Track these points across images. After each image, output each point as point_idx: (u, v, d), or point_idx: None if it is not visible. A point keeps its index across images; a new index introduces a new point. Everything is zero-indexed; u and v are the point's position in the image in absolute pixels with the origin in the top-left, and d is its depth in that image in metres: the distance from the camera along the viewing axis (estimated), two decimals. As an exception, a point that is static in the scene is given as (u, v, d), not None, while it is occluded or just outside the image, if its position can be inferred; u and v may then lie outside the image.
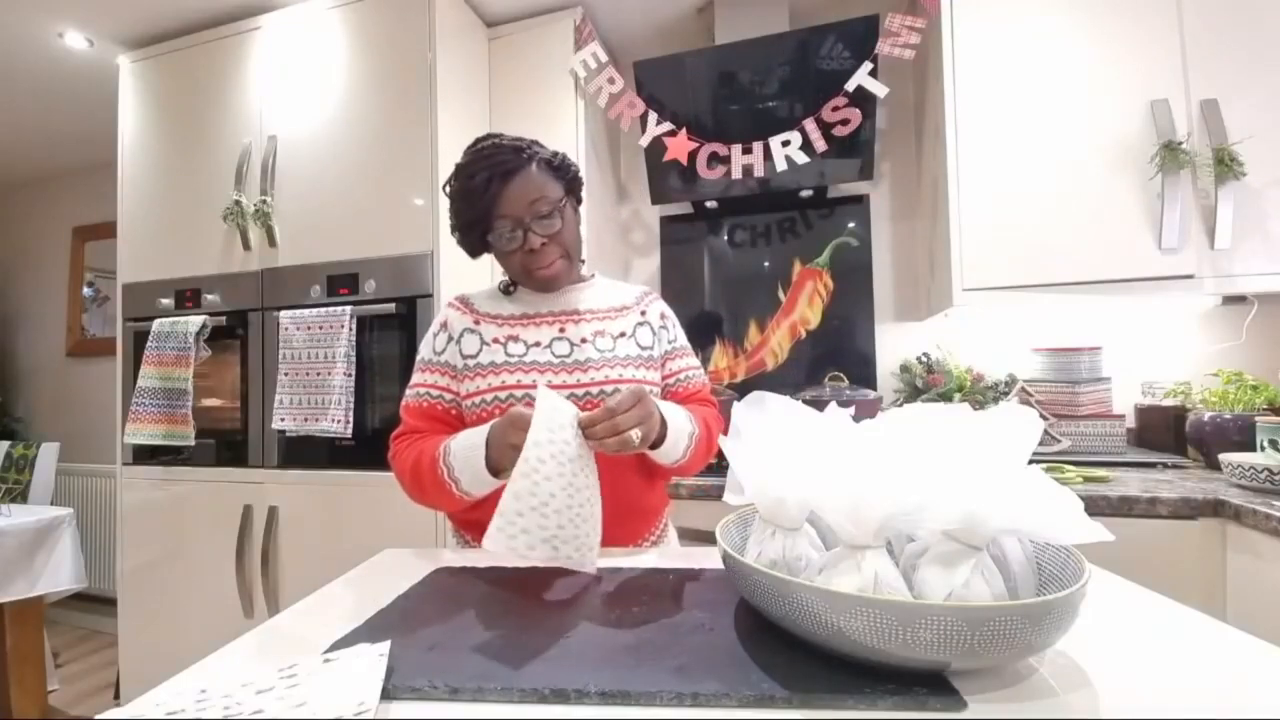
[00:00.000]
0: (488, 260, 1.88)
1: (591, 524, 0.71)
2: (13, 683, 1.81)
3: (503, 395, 0.86)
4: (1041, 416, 1.20)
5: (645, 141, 1.87)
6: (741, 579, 0.51)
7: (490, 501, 0.88)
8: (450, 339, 0.93)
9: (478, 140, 0.89)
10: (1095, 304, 1.47)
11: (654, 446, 0.82)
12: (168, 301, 1.88)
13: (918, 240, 1.93)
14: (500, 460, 0.75)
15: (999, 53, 1.52)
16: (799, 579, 0.46)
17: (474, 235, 0.90)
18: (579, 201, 0.95)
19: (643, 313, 0.98)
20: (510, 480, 0.66)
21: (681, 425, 0.86)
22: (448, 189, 0.90)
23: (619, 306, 0.97)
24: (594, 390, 0.87)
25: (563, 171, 0.91)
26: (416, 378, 0.94)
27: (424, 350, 0.95)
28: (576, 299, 0.96)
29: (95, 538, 2.74)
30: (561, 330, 0.92)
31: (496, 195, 0.85)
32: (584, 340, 0.92)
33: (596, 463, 0.76)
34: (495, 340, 0.91)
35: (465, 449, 0.79)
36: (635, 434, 0.72)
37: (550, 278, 0.91)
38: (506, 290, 0.98)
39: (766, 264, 2.06)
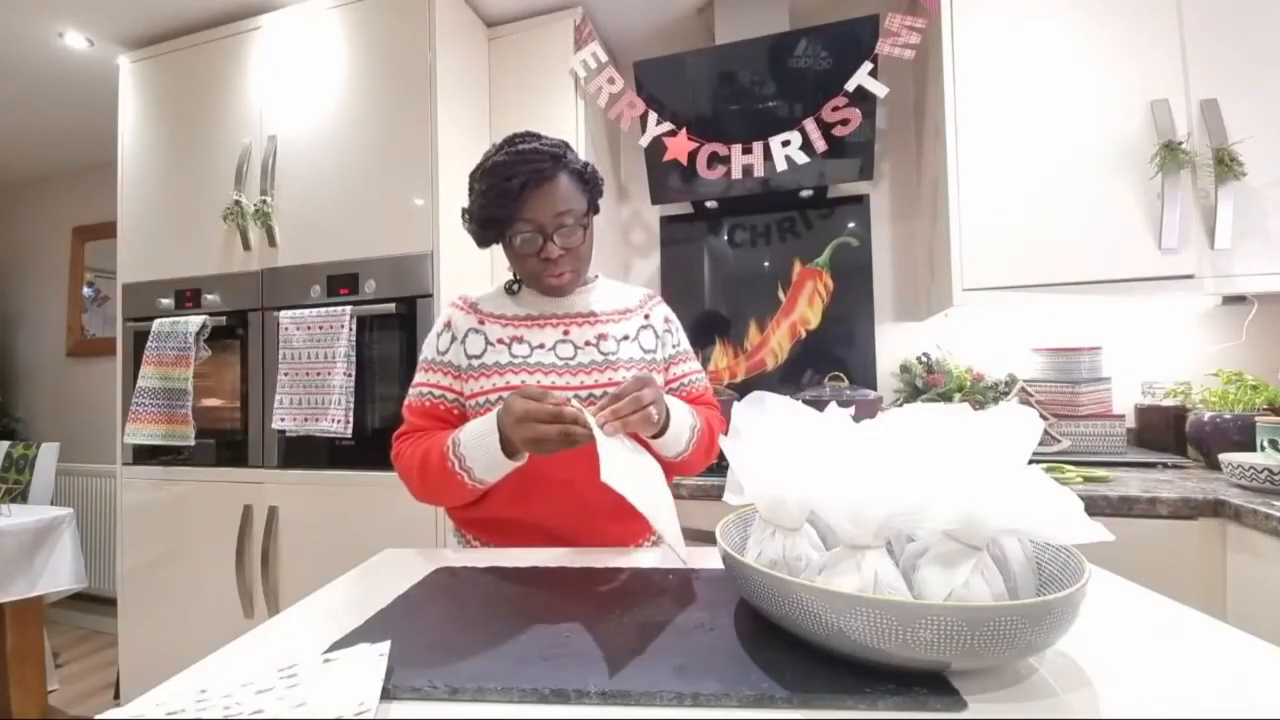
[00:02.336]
0: (487, 261, 1.89)
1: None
2: (13, 683, 1.81)
3: (507, 396, 0.86)
4: (1041, 416, 1.20)
5: (645, 141, 1.87)
6: (741, 579, 0.51)
7: (494, 498, 0.89)
8: (454, 339, 0.93)
9: (515, 138, 0.88)
10: (1095, 304, 1.47)
11: (657, 436, 0.83)
12: (168, 301, 1.88)
13: (918, 240, 1.93)
14: (515, 442, 0.76)
15: (999, 53, 1.52)
16: (799, 579, 0.46)
17: (491, 231, 0.90)
18: (596, 213, 0.95)
19: (646, 316, 0.98)
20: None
21: (684, 418, 0.87)
22: (475, 182, 0.89)
23: (623, 309, 0.97)
24: (596, 392, 0.87)
25: (590, 184, 0.91)
26: (419, 377, 0.94)
27: (427, 350, 0.95)
28: (581, 301, 0.96)
29: (95, 538, 2.74)
30: (566, 333, 0.93)
31: (526, 199, 0.84)
32: (588, 343, 0.92)
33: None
34: (500, 341, 0.91)
35: (476, 436, 0.79)
36: (653, 411, 0.76)
37: (559, 287, 0.92)
38: (511, 290, 0.98)
39: (766, 264, 2.06)
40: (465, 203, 0.94)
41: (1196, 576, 1.12)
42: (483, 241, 0.93)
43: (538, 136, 0.88)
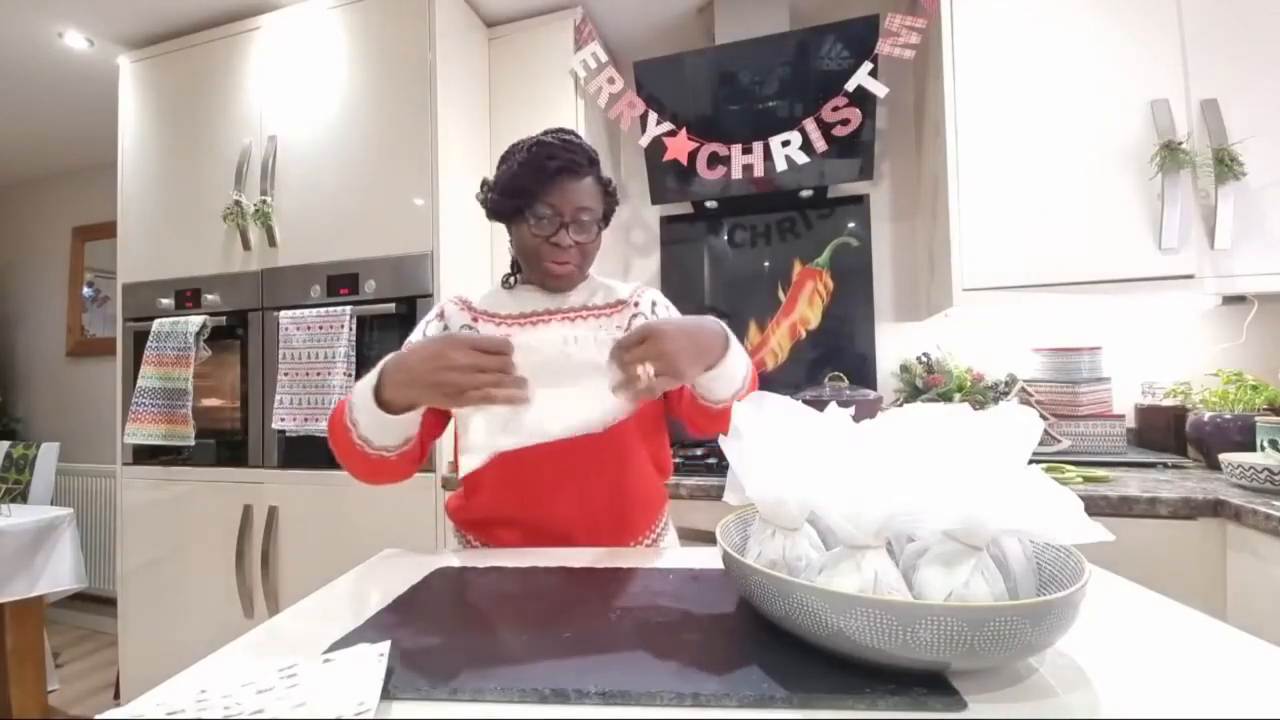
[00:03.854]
0: (487, 261, 1.89)
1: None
2: (13, 683, 1.81)
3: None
4: (1041, 416, 1.20)
5: (645, 141, 1.87)
6: (741, 579, 0.51)
7: (488, 498, 0.88)
8: (446, 329, 0.92)
9: (560, 130, 0.91)
10: (1095, 304, 1.46)
11: (711, 366, 0.77)
12: (168, 301, 1.88)
13: (918, 240, 1.93)
14: (403, 393, 0.70)
15: (999, 52, 1.52)
16: (799, 579, 0.46)
17: (514, 202, 0.89)
18: (607, 225, 0.97)
19: (636, 304, 0.97)
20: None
21: (741, 356, 0.82)
22: (510, 156, 0.89)
23: (614, 302, 0.97)
24: None
25: (609, 197, 0.95)
26: None
27: (414, 336, 0.93)
28: (575, 297, 0.96)
29: (95, 538, 2.74)
30: None
31: (557, 185, 0.86)
32: (580, 339, 0.92)
33: (592, 436, 0.80)
34: None
35: (362, 387, 0.73)
36: (646, 371, 0.68)
37: (561, 276, 0.91)
38: (506, 283, 0.98)
39: (766, 264, 2.06)
40: (474, 193, 0.94)
41: (1196, 576, 1.12)
42: (498, 211, 0.92)
43: (576, 134, 0.91)
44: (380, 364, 0.73)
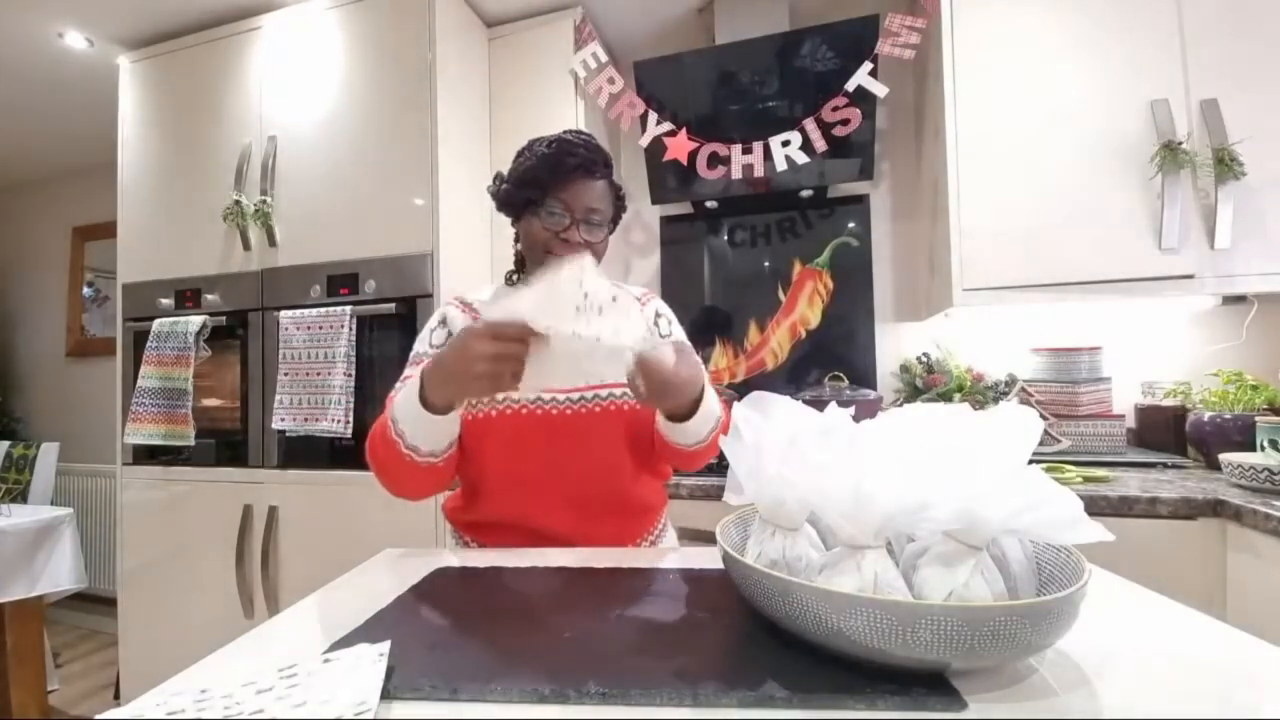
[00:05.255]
0: (487, 261, 1.89)
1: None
2: (13, 683, 1.81)
3: (499, 397, 0.86)
4: (1041, 416, 1.20)
5: (645, 141, 1.87)
6: (741, 579, 0.51)
7: (485, 501, 0.88)
8: (449, 335, 0.92)
9: (579, 131, 0.92)
10: (1095, 304, 1.47)
11: (683, 419, 0.81)
12: (168, 301, 1.88)
13: (918, 240, 1.93)
14: (442, 392, 0.72)
15: (999, 52, 1.52)
16: (799, 579, 0.46)
17: (527, 192, 0.89)
18: (613, 230, 0.98)
19: (640, 311, 0.97)
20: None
21: (712, 407, 0.84)
22: (527, 150, 0.91)
23: None
24: (588, 395, 0.87)
25: (619, 202, 0.96)
26: (409, 370, 0.91)
27: (419, 344, 0.94)
28: None
29: (95, 538, 2.74)
30: None
31: (571, 182, 0.87)
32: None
33: (591, 442, 0.82)
34: None
35: (405, 394, 0.76)
36: (638, 386, 0.73)
37: None
38: (510, 280, 0.98)
39: (766, 264, 2.06)
40: (477, 190, 0.94)
41: (1196, 576, 1.12)
42: (509, 202, 0.92)
43: (593, 137, 0.93)
44: (419, 371, 0.75)
